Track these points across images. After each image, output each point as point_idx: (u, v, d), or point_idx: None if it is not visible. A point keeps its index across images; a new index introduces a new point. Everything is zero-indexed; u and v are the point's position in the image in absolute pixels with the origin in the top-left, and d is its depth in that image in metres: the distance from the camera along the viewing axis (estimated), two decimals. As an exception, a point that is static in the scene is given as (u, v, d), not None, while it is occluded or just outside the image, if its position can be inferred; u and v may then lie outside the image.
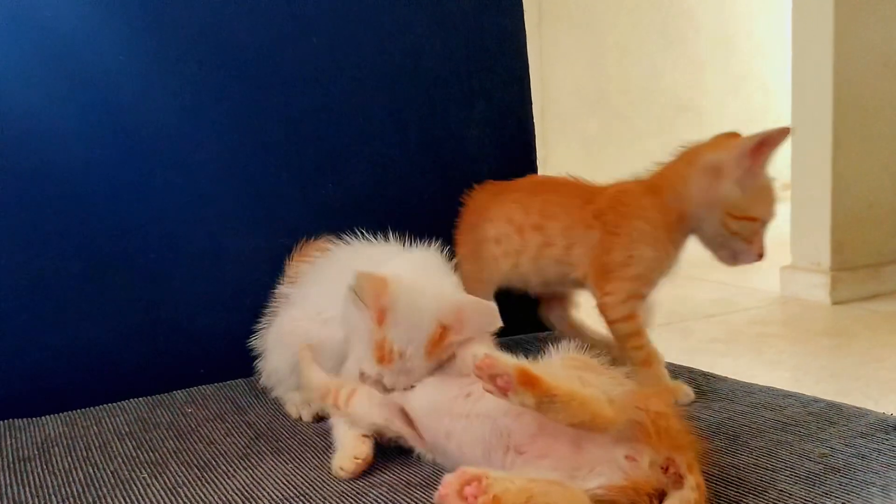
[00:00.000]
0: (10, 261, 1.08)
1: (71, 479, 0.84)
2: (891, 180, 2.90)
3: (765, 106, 4.22)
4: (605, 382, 0.69)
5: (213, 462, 0.87)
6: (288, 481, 0.80)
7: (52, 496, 0.80)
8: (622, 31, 3.98)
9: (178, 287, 1.17)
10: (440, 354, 0.84)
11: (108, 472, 0.85)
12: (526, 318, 1.22)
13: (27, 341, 1.09)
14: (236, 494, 0.78)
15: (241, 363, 1.09)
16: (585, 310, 1.17)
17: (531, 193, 1.10)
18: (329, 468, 0.82)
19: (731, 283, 2.98)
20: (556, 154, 3.70)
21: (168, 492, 0.79)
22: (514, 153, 1.39)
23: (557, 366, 0.72)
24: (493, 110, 1.36)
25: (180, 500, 0.77)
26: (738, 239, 0.97)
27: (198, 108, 1.17)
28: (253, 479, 0.81)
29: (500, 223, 1.09)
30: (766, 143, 0.92)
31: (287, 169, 1.22)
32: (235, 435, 0.95)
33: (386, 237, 1.01)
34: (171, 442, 0.94)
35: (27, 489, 0.82)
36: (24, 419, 1.04)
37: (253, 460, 0.87)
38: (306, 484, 0.79)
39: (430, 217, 1.21)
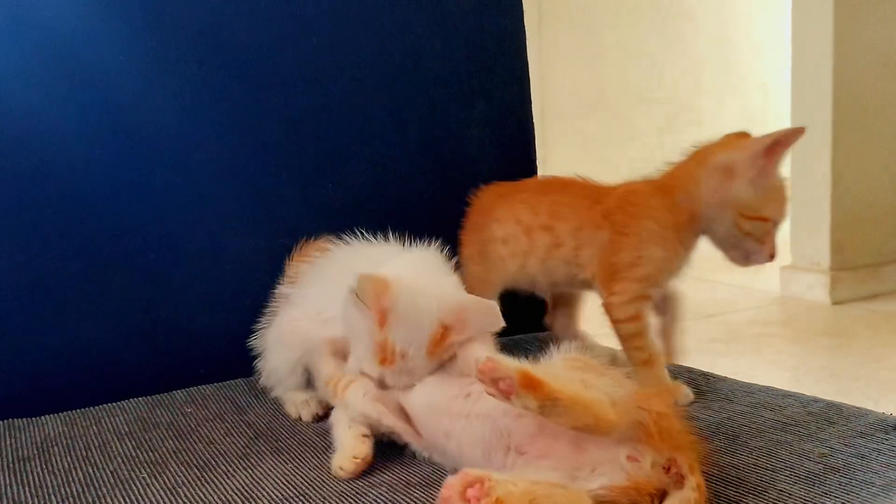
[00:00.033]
0: (10, 261, 1.08)
1: (70, 478, 0.84)
2: (890, 180, 2.91)
3: (764, 106, 4.22)
4: (607, 384, 0.69)
5: (213, 462, 0.87)
6: (287, 481, 0.80)
7: (52, 496, 0.80)
8: (622, 32, 3.98)
9: (178, 287, 1.17)
10: (442, 354, 0.84)
11: (108, 472, 0.85)
12: (526, 318, 1.23)
13: (27, 341, 1.09)
14: (236, 494, 0.78)
15: (241, 363, 1.09)
16: (586, 312, 1.17)
17: (539, 194, 1.09)
18: (328, 468, 0.82)
19: (731, 283, 2.98)
20: (555, 154, 3.69)
21: (167, 492, 0.79)
22: (514, 153, 1.39)
23: (559, 367, 0.72)
24: (492, 110, 1.36)
25: (180, 500, 0.77)
26: (751, 239, 0.96)
27: (198, 108, 1.17)
28: (252, 478, 0.81)
29: (508, 224, 1.08)
30: (780, 142, 0.92)
31: (287, 169, 1.22)
32: (235, 435, 0.95)
33: (386, 237, 1.01)
34: (170, 442, 0.94)
35: (27, 489, 0.82)
36: (24, 419, 1.04)
37: (252, 460, 0.87)
38: (306, 484, 0.79)
39: (430, 217, 1.21)
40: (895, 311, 2.67)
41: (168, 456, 0.89)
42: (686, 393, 0.98)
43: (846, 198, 2.79)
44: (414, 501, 0.74)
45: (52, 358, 1.10)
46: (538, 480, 0.65)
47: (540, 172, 1.44)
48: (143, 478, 0.83)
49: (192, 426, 0.99)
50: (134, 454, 0.90)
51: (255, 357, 1.07)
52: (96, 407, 1.08)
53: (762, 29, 4.26)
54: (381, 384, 0.85)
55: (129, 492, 0.80)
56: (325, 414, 0.98)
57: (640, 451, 0.66)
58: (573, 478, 0.67)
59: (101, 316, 1.12)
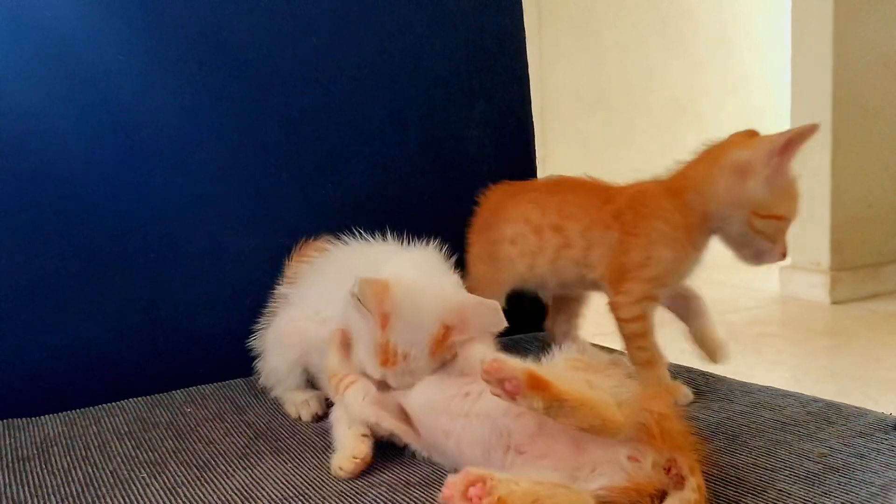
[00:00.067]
0: (10, 261, 1.08)
1: (70, 478, 0.84)
2: (890, 180, 2.91)
3: (764, 106, 4.22)
4: (612, 385, 0.69)
5: (213, 462, 0.87)
6: (287, 481, 0.80)
7: (52, 496, 0.80)
8: (621, 32, 3.98)
9: (177, 287, 1.17)
10: (443, 354, 0.84)
11: (108, 472, 0.85)
12: (525, 318, 1.22)
13: (27, 341, 1.09)
14: (235, 494, 0.78)
15: (241, 363, 1.09)
16: (590, 314, 1.17)
17: (549, 193, 1.08)
18: (328, 468, 0.82)
19: (731, 282, 2.98)
20: (555, 154, 3.69)
21: (167, 491, 0.79)
22: (514, 153, 1.39)
23: (561, 367, 0.71)
24: (492, 110, 1.36)
25: (179, 500, 0.77)
26: (763, 238, 0.95)
27: (198, 108, 1.17)
28: (252, 478, 0.81)
29: (517, 223, 1.07)
30: (795, 140, 0.91)
31: (287, 169, 1.23)
32: (234, 434, 0.95)
33: (384, 237, 1.01)
34: (170, 441, 0.94)
35: (26, 489, 0.82)
36: (24, 419, 1.04)
37: (252, 460, 0.87)
38: (305, 483, 0.80)
39: (430, 217, 1.21)
40: (895, 311, 2.67)
41: (167, 456, 0.89)
42: (686, 393, 0.98)
43: (846, 197, 2.79)
44: (413, 501, 0.74)
45: (52, 358, 1.10)
46: (540, 480, 0.65)
47: (539, 172, 1.44)
48: (143, 477, 0.83)
49: (192, 426, 0.99)
50: (133, 454, 0.90)
51: (254, 357, 1.07)
52: (96, 407, 1.08)
53: (762, 29, 4.26)
54: (383, 385, 0.85)
55: (129, 491, 0.80)
56: (324, 413, 0.98)
57: (641, 452, 0.66)
58: (573, 478, 0.67)
59: (101, 316, 1.12)
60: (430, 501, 0.73)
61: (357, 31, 1.26)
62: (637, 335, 0.98)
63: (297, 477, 0.81)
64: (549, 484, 0.64)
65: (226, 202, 1.19)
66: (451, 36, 1.32)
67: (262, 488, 0.79)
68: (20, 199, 1.08)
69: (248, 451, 0.90)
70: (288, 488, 0.79)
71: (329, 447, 0.86)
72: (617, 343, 1.04)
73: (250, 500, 0.76)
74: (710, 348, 1.03)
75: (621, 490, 0.65)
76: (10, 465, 0.89)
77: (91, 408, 1.07)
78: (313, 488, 0.78)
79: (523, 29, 1.40)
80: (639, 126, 3.99)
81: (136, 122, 1.13)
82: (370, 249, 1.00)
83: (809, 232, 2.83)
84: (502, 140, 1.37)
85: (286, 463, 0.85)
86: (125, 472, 0.85)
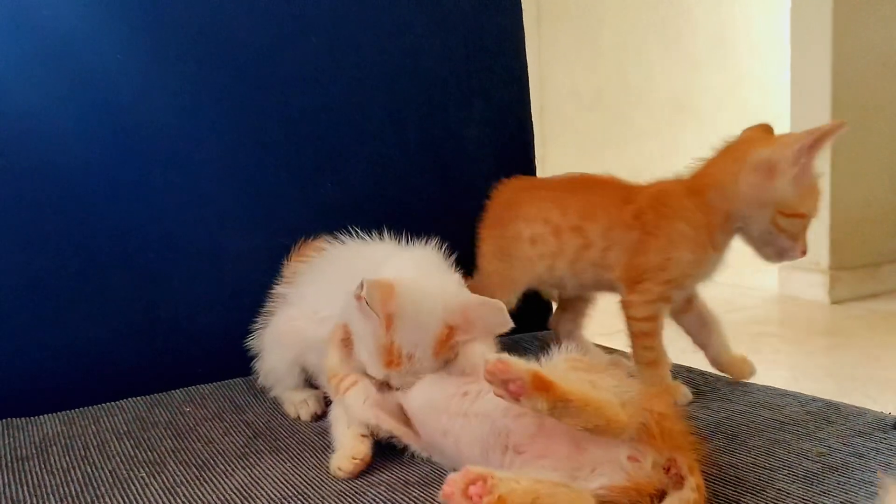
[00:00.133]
0: (9, 261, 1.08)
1: (69, 478, 0.84)
2: (890, 180, 2.91)
3: (763, 106, 4.21)
4: (614, 385, 0.69)
5: (212, 461, 0.87)
6: (286, 480, 0.80)
7: (51, 495, 0.80)
8: (620, 31, 3.98)
9: (177, 287, 1.17)
10: (447, 354, 0.84)
11: (107, 472, 0.85)
12: (525, 318, 1.22)
13: (26, 340, 1.09)
14: (234, 493, 0.78)
15: (240, 362, 1.09)
16: (594, 313, 1.17)
17: (568, 192, 1.06)
18: (327, 467, 0.82)
19: (730, 282, 2.98)
20: (554, 153, 3.69)
21: (166, 491, 0.79)
22: (513, 152, 1.39)
23: (562, 368, 0.71)
24: (491, 110, 1.36)
25: (178, 499, 0.77)
26: (785, 236, 0.94)
27: (197, 107, 1.17)
28: (251, 478, 0.81)
29: (536, 223, 1.05)
30: (823, 138, 0.90)
31: (286, 169, 1.22)
32: (234, 434, 0.95)
33: (381, 235, 1.00)
34: (169, 441, 0.94)
35: (25, 488, 0.82)
36: (23, 418, 1.04)
37: (251, 459, 0.87)
38: (304, 483, 0.80)
39: (429, 216, 1.21)
40: (894, 311, 2.67)
41: (166, 455, 0.89)
42: (685, 393, 0.98)
43: (845, 197, 2.79)
44: (413, 500, 0.74)
45: (51, 357, 1.10)
46: (541, 479, 0.65)
47: (539, 172, 1.44)
48: (142, 477, 0.83)
49: (191, 425, 0.99)
50: (132, 453, 0.90)
51: (253, 356, 1.07)
52: (95, 406, 1.08)
53: (761, 29, 4.26)
54: (385, 385, 0.85)
55: (128, 491, 0.80)
56: (323, 413, 0.98)
57: (641, 452, 0.66)
58: (573, 478, 0.67)
59: (100, 315, 1.12)
60: (429, 500, 0.73)
61: (356, 30, 1.26)
62: (645, 334, 0.98)
63: (296, 476, 0.81)
64: (549, 483, 0.64)
65: (225, 202, 1.19)
66: (451, 36, 1.32)
67: (261, 488, 0.79)
68: (20, 198, 1.08)
69: (247, 450, 0.90)
70: (287, 488, 0.79)
71: (328, 447, 0.86)
72: (620, 343, 1.04)
73: (249, 499, 0.76)
74: (738, 369, 1.03)
75: (621, 489, 0.65)
76: (10, 464, 0.89)
77: (90, 407, 1.07)
78: (312, 488, 0.78)
79: (522, 28, 1.40)
80: (638, 126, 3.99)
81: (136, 121, 1.13)
82: (368, 249, 1.00)
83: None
84: (501, 140, 1.37)
85: (285, 462, 0.85)
86: (124, 472, 0.85)
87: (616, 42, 3.97)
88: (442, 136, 1.33)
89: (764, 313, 2.78)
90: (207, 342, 1.18)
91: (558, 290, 1.13)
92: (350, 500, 0.75)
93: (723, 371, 1.04)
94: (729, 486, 0.73)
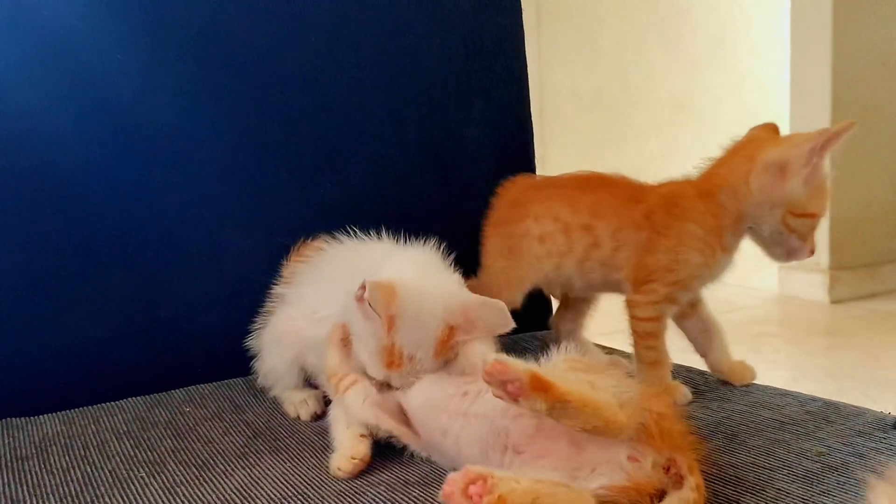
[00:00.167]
0: (9, 261, 1.08)
1: (69, 478, 0.84)
2: (889, 180, 2.91)
3: (762, 106, 4.22)
4: (613, 385, 0.69)
5: (211, 461, 0.87)
6: (286, 480, 0.80)
7: (50, 495, 0.80)
8: (620, 31, 3.98)
9: (176, 287, 1.17)
10: (447, 354, 0.84)
11: (106, 471, 0.85)
12: (525, 318, 1.22)
13: (26, 340, 1.09)
14: (234, 493, 0.78)
15: (240, 362, 1.09)
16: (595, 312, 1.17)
17: (579, 190, 1.05)
18: (327, 467, 0.82)
19: (730, 282, 2.98)
20: (554, 153, 3.70)
21: (166, 491, 0.80)
22: (513, 152, 1.39)
23: (561, 368, 0.71)
24: (491, 110, 1.36)
25: (178, 499, 0.77)
26: (795, 236, 0.94)
27: (197, 107, 1.17)
28: (251, 478, 0.81)
29: (546, 221, 1.04)
30: (834, 139, 0.89)
31: (286, 169, 1.23)
32: (233, 434, 0.95)
33: (379, 235, 1.00)
34: (169, 441, 0.94)
35: (25, 488, 0.82)
36: (22, 418, 1.04)
37: (251, 459, 0.87)
38: (304, 483, 0.80)
39: (429, 216, 1.21)
40: (894, 311, 2.68)
41: (166, 455, 0.89)
42: (685, 393, 0.98)
43: (845, 197, 2.79)
44: (412, 500, 0.74)
45: (51, 357, 1.10)
46: (541, 479, 0.65)
47: (538, 172, 1.44)
48: (142, 477, 0.83)
49: (191, 425, 0.99)
50: (132, 453, 0.90)
51: (253, 356, 1.07)
52: (95, 406, 1.08)
53: (761, 29, 4.26)
54: (385, 385, 0.85)
55: (128, 491, 0.80)
56: (323, 412, 0.98)
57: (640, 452, 0.66)
58: (573, 478, 0.67)
59: (101, 315, 1.12)
60: (429, 500, 0.73)
61: (356, 30, 1.26)
62: (649, 334, 0.98)
63: (296, 476, 0.81)
64: (549, 482, 0.64)
65: (225, 202, 1.19)
66: (450, 36, 1.32)
67: (261, 487, 0.79)
68: (20, 198, 1.08)
69: (246, 450, 0.90)
70: (287, 487, 0.79)
71: (328, 447, 0.86)
72: (620, 343, 1.04)
73: (249, 499, 0.76)
74: (738, 375, 1.03)
75: (621, 489, 0.65)
76: (9, 464, 0.89)
77: (90, 407, 1.07)
78: (312, 487, 0.78)
79: (522, 28, 1.40)
80: (638, 126, 3.99)
81: (136, 121, 1.13)
82: (366, 248, 0.99)
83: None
84: (501, 139, 1.37)
85: (285, 462, 0.85)
86: (124, 472, 0.85)
87: (616, 42, 3.97)
88: (442, 136, 1.33)
89: (764, 313, 2.78)
90: (207, 342, 1.18)
91: (565, 291, 1.12)
92: (350, 499, 0.75)
93: (723, 378, 1.04)
94: (728, 485, 0.73)
